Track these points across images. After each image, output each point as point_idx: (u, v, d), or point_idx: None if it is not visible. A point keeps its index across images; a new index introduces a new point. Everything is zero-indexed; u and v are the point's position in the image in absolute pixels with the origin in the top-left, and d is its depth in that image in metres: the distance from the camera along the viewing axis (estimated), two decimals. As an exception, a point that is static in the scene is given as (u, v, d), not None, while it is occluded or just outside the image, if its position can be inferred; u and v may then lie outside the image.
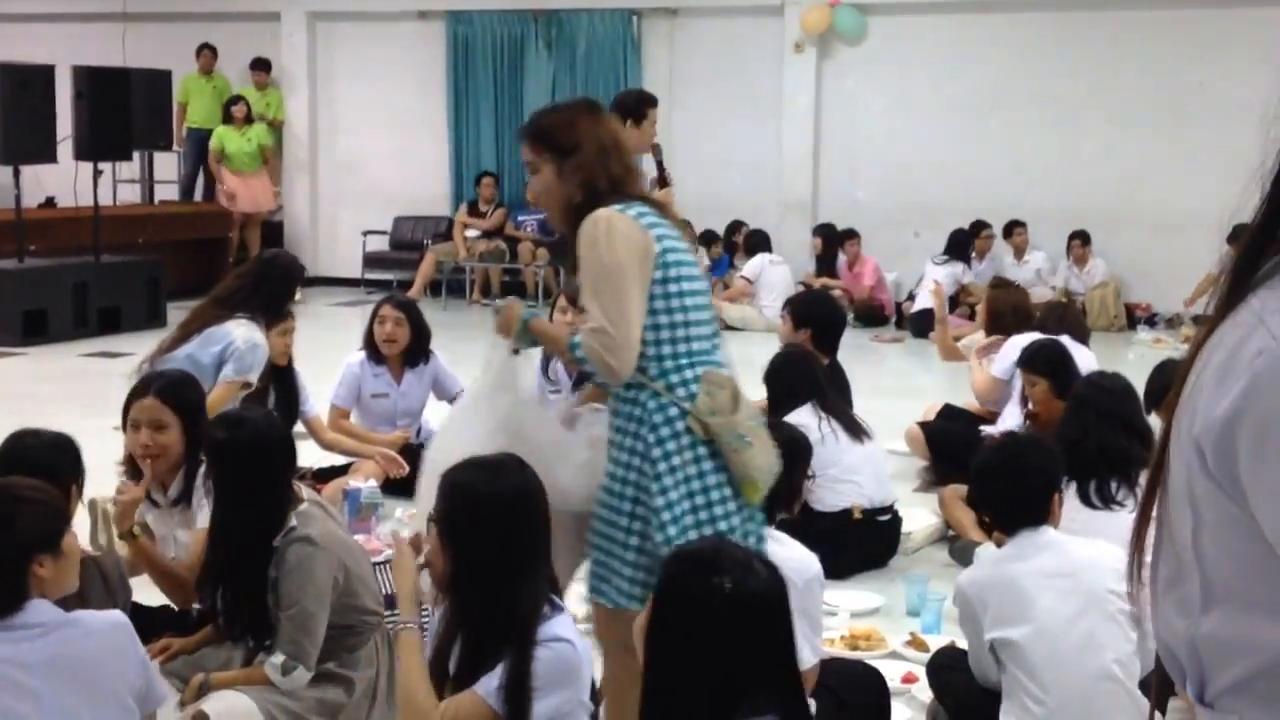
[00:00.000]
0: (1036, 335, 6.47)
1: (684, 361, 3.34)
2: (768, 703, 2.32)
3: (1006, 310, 7.10)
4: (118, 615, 3.01)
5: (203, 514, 4.09)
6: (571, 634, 2.99)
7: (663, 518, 3.25)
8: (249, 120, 15.01)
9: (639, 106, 7.72)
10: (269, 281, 5.95)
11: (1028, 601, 3.49)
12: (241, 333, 5.73)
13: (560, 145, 3.43)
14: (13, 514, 2.85)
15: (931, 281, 12.52)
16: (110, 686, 2.85)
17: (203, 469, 4.12)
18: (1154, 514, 1.32)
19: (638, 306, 3.29)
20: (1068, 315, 7.14)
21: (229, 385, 5.67)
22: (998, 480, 3.71)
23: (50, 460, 3.55)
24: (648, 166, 7.79)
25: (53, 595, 2.88)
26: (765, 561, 2.49)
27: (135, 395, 4.24)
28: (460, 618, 3.02)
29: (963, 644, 3.86)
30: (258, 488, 3.63)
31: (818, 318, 6.34)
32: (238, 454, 3.64)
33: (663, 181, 7.79)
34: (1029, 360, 5.89)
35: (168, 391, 4.21)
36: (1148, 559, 1.34)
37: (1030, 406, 5.81)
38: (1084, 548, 3.66)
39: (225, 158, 14.79)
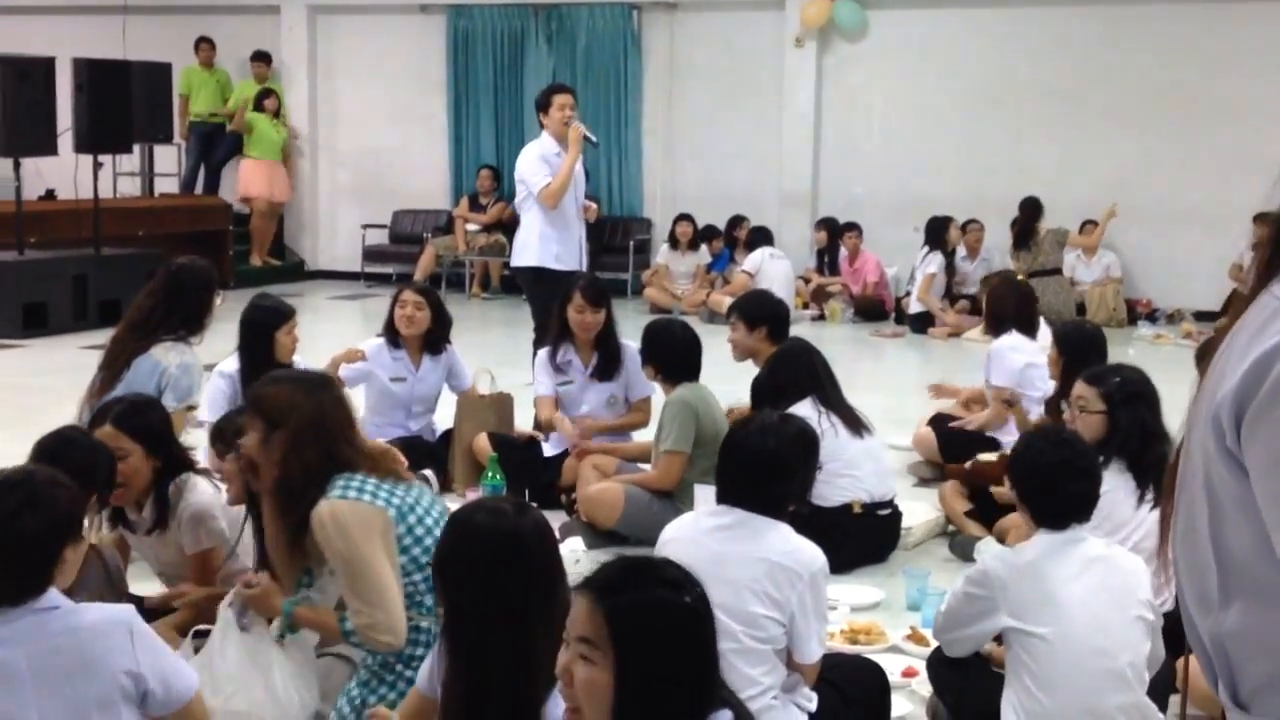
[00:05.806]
0: (1018, 338, 6.62)
1: None
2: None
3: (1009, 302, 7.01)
4: (121, 611, 2.94)
5: (187, 539, 4.20)
6: None
7: None
8: (277, 115, 15.29)
9: (544, 96, 7.76)
10: (182, 295, 5.57)
11: (1051, 596, 3.46)
12: (172, 358, 5.47)
13: (269, 417, 3.49)
14: (49, 499, 2.85)
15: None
16: (93, 690, 2.78)
17: (171, 489, 4.18)
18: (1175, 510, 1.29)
19: (391, 579, 3.42)
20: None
21: (175, 414, 5.40)
22: (1064, 477, 3.60)
23: (89, 463, 3.61)
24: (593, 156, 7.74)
25: (61, 585, 2.87)
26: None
27: (94, 424, 4.20)
28: (455, 674, 2.78)
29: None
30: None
31: (769, 314, 6.32)
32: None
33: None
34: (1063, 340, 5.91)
35: (124, 418, 4.14)
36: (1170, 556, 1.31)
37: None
38: (1113, 550, 3.64)
39: (252, 142, 15.04)
